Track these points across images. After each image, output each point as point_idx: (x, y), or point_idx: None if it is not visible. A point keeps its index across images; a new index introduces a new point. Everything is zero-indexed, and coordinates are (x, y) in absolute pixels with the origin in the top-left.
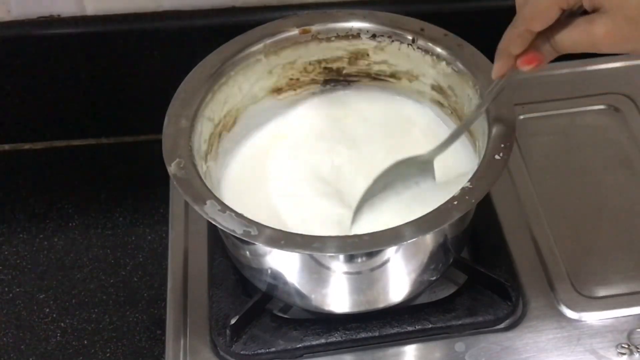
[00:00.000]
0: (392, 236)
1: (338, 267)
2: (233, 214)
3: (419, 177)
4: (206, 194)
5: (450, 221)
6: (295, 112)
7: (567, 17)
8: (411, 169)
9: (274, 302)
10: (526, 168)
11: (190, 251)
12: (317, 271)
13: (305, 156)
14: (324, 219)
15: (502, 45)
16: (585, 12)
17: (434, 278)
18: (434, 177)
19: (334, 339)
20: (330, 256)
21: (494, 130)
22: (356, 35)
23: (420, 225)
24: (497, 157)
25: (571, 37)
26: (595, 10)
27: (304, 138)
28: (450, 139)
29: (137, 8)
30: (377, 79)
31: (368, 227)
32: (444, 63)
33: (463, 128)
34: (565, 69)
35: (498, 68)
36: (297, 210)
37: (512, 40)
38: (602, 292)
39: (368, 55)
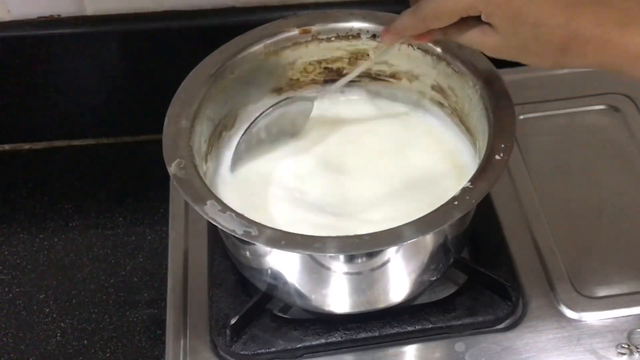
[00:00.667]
0: (393, 236)
1: (338, 267)
2: (233, 214)
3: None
4: (206, 194)
5: (451, 221)
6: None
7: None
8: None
9: (274, 302)
10: (526, 168)
11: (190, 251)
12: (317, 271)
13: (303, 156)
14: (321, 218)
15: (397, 25)
16: None
17: (434, 278)
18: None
19: (334, 339)
20: (331, 256)
21: (494, 130)
22: (356, 35)
23: (421, 225)
24: (497, 157)
25: (463, 38)
26: (489, 23)
27: (303, 140)
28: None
29: (137, 8)
30: (377, 79)
31: None
32: (444, 63)
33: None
34: (566, 69)
35: (387, 39)
36: (294, 210)
37: (407, 26)
38: (602, 292)
39: (368, 55)
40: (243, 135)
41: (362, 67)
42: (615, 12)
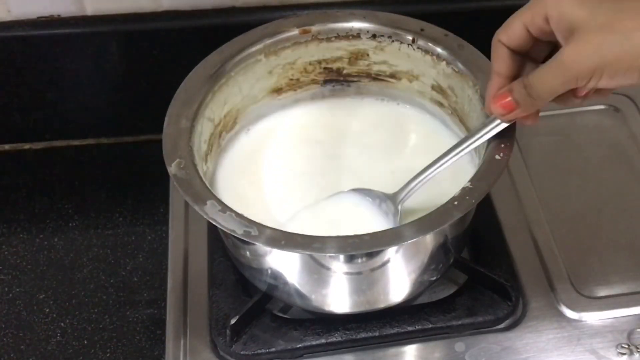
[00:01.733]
0: (393, 236)
1: (338, 267)
2: (233, 214)
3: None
4: (206, 194)
5: (451, 221)
6: (295, 112)
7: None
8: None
9: (274, 302)
10: (526, 168)
11: (190, 251)
12: (317, 271)
13: (304, 156)
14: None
15: (512, 100)
16: None
17: (434, 278)
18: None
19: (334, 339)
20: (331, 256)
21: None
22: (356, 35)
23: (421, 225)
24: (497, 157)
25: (542, 77)
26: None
27: (303, 138)
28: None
29: (137, 8)
30: (377, 79)
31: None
32: (444, 63)
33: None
34: None
35: (505, 117)
36: (294, 210)
37: (520, 107)
38: (602, 292)
39: (368, 55)
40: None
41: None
42: None
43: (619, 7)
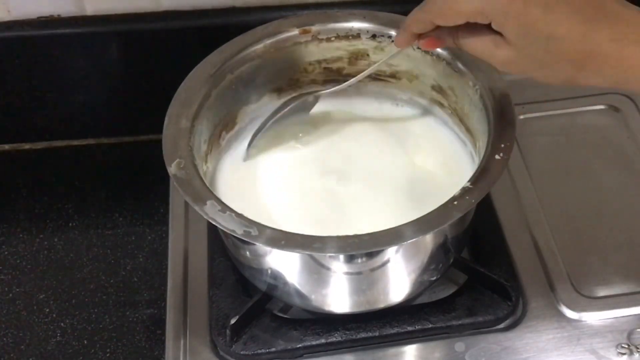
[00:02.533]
0: (393, 236)
1: (338, 267)
2: (233, 214)
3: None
4: (206, 194)
5: (451, 221)
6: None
7: (475, 23)
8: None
9: (274, 302)
10: (526, 168)
11: (190, 251)
12: (317, 271)
13: (304, 156)
14: (319, 219)
15: (406, 20)
16: None
17: (434, 278)
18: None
19: (334, 339)
20: (331, 256)
21: (494, 130)
22: (356, 35)
23: (421, 225)
24: (497, 157)
25: (474, 47)
26: (501, 34)
27: (303, 140)
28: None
29: (137, 8)
30: (377, 79)
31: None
32: (444, 63)
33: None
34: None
35: (400, 40)
36: (293, 210)
37: (414, 21)
38: (602, 292)
39: (368, 55)
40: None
41: (372, 68)
42: (634, 29)
43: None
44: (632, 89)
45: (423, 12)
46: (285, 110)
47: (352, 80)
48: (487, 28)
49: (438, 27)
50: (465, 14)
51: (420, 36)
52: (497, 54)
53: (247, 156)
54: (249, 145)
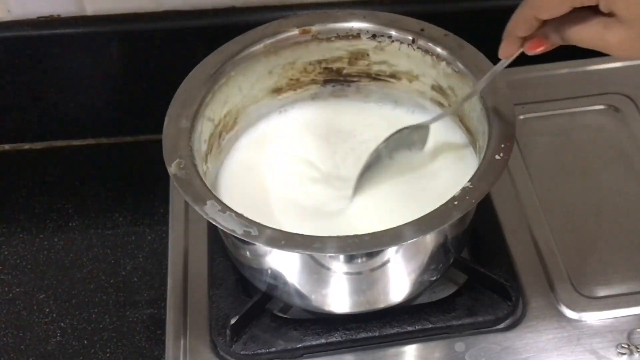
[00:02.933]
0: (393, 236)
1: (338, 267)
2: (233, 214)
3: (412, 146)
4: (206, 194)
5: (451, 221)
6: (295, 112)
7: (581, 10)
8: (406, 138)
9: (274, 302)
10: (526, 168)
11: (190, 251)
12: (317, 271)
13: (304, 156)
14: (319, 219)
15: (509, 27)
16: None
17: (434, 278)
18: (423, 145)
19: (334, 339)
20: (331, 256)
21: (494, 130)
22: (356, 35)
23: (421, 225)
24: (497, 157)
25: (582, 35)
26: (611, 14)
27: (303, 138)
28: (441, 115)
29: (137, 8)
30: (377, 79)
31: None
32: (444, 63)
33: (459, 104)
34: (565, 69)
35: (504, 49)
36: (293, 210)
37: (518, 23)
38: (602, 292)
39: (368, 55)
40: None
41: (470, 94)
42: None
43: None
44: None
45: (526, 9)
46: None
47: (458, 103)
48: (594, 13)
49: (543, 25)
50: (572, 1)
51: (524, 39)
52: (610, 37)
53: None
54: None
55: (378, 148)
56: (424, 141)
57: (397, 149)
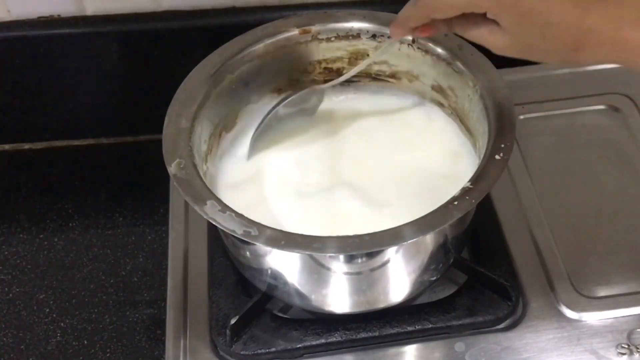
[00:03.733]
0: (393, 236)
1: (338, 267)
2: (233, 214)
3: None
4: (206, 194)
5: (451, 221)
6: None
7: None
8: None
9: (274, 302)
10: (526, 168)
11: (190, 251)
12: (317, 271)
13: (304, 156)
14: (319, 218)
15: (400, 18)
16: None
17: (434, 278)
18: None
19: (334, 339)
20: (331, 256)
21: (494, 130)
22: (356, 35)
23: (421, 225)
24: (497, 157)
25: (469, 34)
26: (496, 22)
27: (303, 138)
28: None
29: (137, 8)
30: (377, 79)
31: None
32: (444, 63)
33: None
34: (565, 69)
35: (394, 32)
36: (293, 209)
37: (410, 18)
38: (602, 292)
39: (368, 55)
40: (261, 123)
41: (365, 62)
42: (628, 9)
43: None
44: (632, 66)
45: (418, 9)
46: (286, 101)
47: (351, 71)
48: (482, 16)
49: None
50: (460, 7)
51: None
52: (493, 40)
53: (250, 153)
54: (252, 139)
55: (277, 109)
56: (315, 108)
57: (291, 114)
